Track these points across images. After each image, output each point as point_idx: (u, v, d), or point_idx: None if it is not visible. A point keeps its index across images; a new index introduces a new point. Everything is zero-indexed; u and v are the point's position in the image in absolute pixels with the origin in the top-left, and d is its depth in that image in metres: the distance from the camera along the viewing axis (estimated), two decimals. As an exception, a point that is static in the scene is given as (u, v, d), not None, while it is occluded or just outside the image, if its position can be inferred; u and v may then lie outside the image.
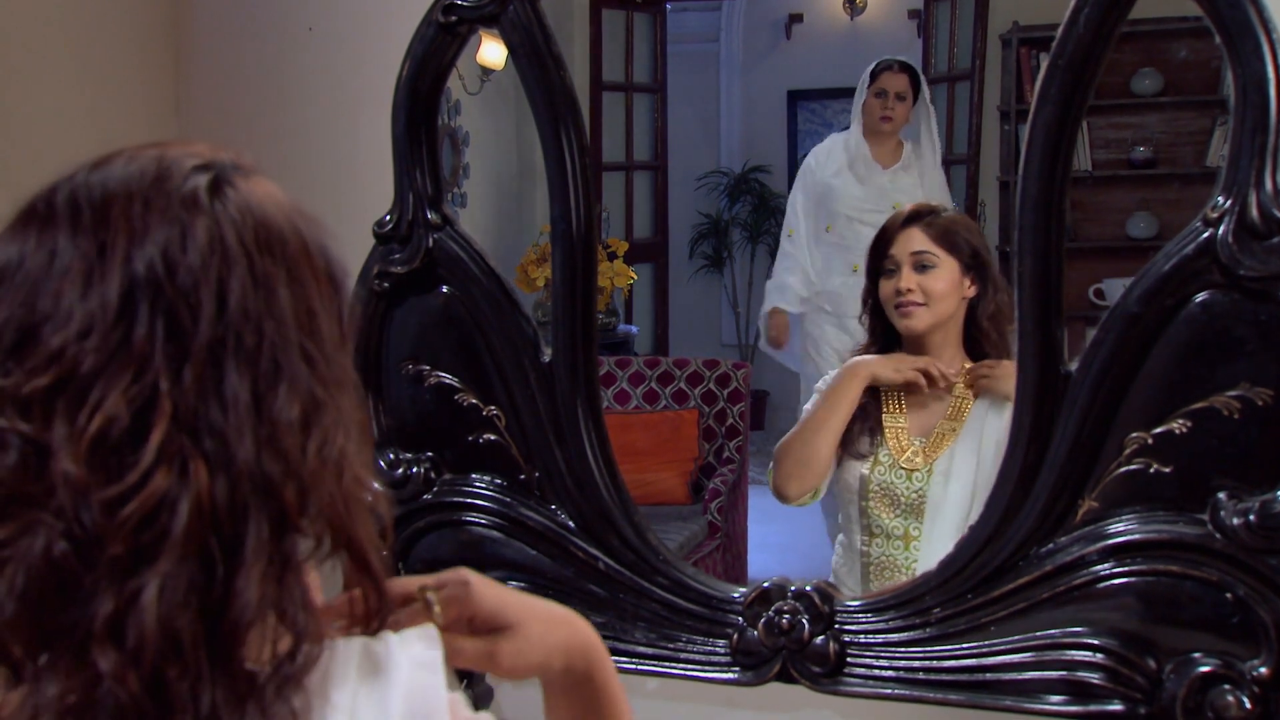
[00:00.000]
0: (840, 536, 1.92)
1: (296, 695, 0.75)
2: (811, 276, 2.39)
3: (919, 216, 1.87)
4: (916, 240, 1.84)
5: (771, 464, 1.93)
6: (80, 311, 0.73)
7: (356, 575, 0.82)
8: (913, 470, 1.82)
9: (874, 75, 2.32)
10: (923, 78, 2.32)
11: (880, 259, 1.87)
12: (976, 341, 1.84)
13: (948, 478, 1.79)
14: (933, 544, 1.74)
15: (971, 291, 1.84)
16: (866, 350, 1.91)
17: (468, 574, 0.98)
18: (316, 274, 0.81)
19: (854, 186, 2.34)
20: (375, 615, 0.85)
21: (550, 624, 1.01)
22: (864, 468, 1.85)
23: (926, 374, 1.83)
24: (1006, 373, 1.77)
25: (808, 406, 1.91)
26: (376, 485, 0.84)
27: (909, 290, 1.82)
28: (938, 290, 1.83)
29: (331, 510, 0.77)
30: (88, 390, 0.72)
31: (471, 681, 1.67)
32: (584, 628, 1.04)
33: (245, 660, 0.74)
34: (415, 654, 0.84)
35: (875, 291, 1.88)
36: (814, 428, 1.86)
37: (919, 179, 2.30)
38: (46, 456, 0.72)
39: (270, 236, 0.78)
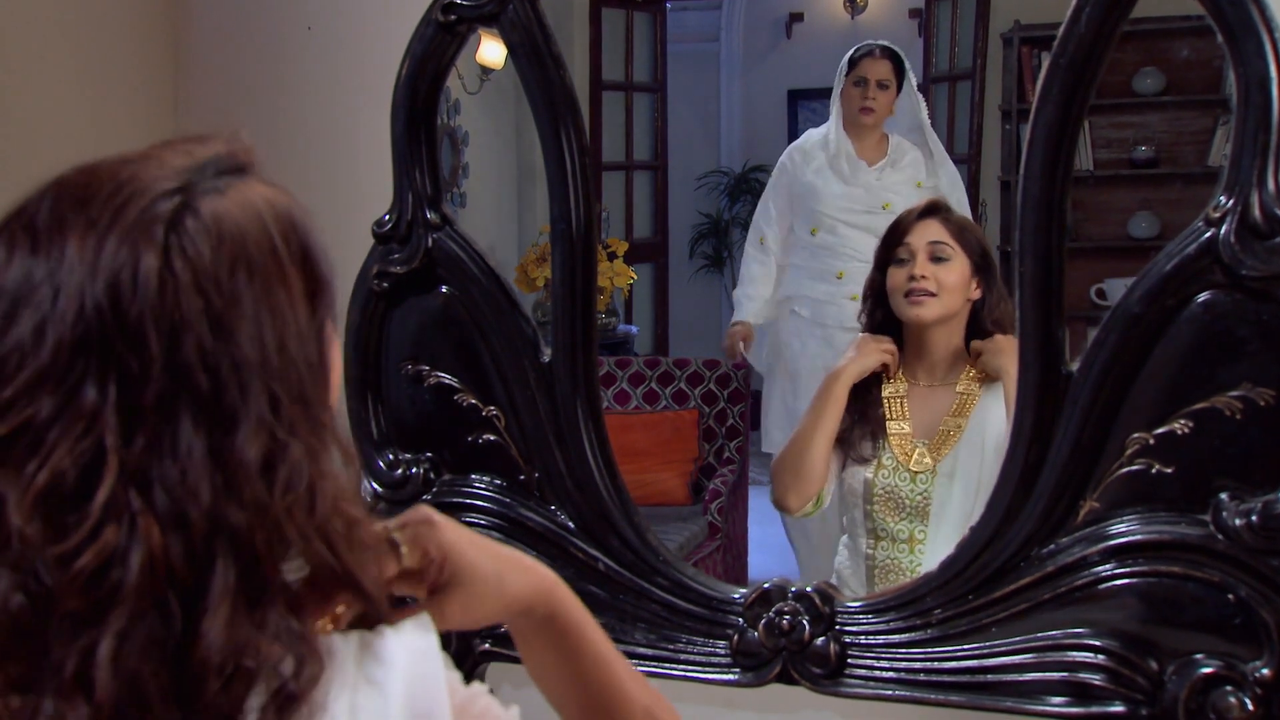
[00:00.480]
0: (844, 539, 1.91)
1: (296, 714, 0.74)
2: (786, 283, 2.30)
3: (937, 210, 1.86)
4: (934, 231, 1.84)
5: (770, 479, 1.93)
6: (32, 360, 0.71)
7: (348, 598, 0.80)
8: (918, 473, 1.81)
9: (852, 62, 2.23)
10: (907, 63, 2.23)
11: (893, 247, 1.86)
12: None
13: (952, 478, 1.79)
14: (938, 546, 1.74)
15: (976, 294, 1.83)
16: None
17: (429, 512, 0.95)
18: (290, 288, 0.77)
19: (837, 185, 2.24)
20: (375, 622, 0.83)
21: (504, 576, 0.98)
22: (868, 472, 1.84)
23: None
24: (999, 346, 1.77)
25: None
26: (361, 503, 0.82)
27: (923, 277, 1.81)
28: (950, 282, 1.82)
29: (305, 545, 0.75)
30: (40, 441, 0.71)
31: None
32: (542, 575, 1.01)
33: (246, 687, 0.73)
34: (411, 643, 0.83)
35: (882, 281, 1.87)
36: (805, 439, 1.86)
37: (909, 175, 2.21)
38: (3, 507, 0.71)
39: (235, 264, 0.74)
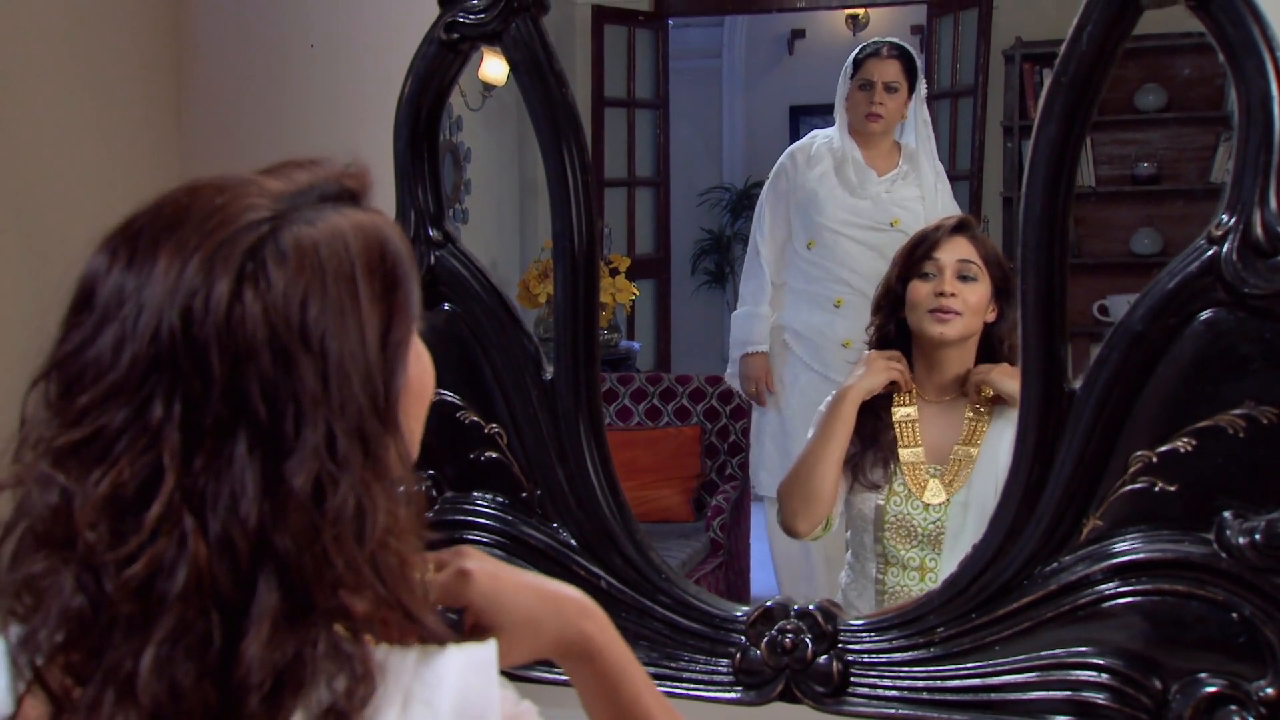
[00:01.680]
0: (849, 557, 1.88)
1: None
2: (779, 306, 2.16)
3: (968, 227, 1.83)
4: (964, 249, 1.80)
5: (776, 503, 1.89)
6: (110, 372, 0.75)
7: (403, 626, 0.82)
8: (931, 504, 1.79)
9: (858, 63, 2.09)
10: (919, 64, 2.09)
11: (920, 261, 1.81)
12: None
13: (966, 508, 1.76)
14: (951, 569, 1.72)
15: (992, 316, 1.81)
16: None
17: (469, 560, 0.96)
18: (363, 324, 0.78)
19: (843, 196, 2.10)
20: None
21: (540, 622, 0.99)
22: (879, 499, 1.81)
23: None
24: (1004, 372, 1.75)
25: (809, 435, 1.87)
26: (415, 544, 0.84)
27: (951, 295, 1.78)
28: (974, 303, 1.79)
29: (354, 574, 0.77)
30: (108, 451, 0.74)
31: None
32: (580, 617, 1.01)
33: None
34: (468, 662, 0.84)
35: (900, 294, 1.82)
36: (813, 462, 1.82)
37: (919, 189, 2.11)
38: (71, 508, 0.75)
39: (308, 295, 0.76)
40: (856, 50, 2.11)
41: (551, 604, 1.01)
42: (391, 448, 0.81)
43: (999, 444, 1.76)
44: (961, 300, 1.78)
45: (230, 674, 0.73)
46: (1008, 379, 1.75)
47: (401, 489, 0.82)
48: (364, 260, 0.79)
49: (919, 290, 1.81)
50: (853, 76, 2.09)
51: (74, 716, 0.75)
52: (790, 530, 1.85)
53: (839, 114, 2.12)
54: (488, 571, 0.97)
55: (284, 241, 0.76)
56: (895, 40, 2.13)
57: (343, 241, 0.79)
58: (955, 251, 1.80)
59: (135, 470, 0.73)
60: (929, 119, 2.14)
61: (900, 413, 1.83)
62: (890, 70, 2.07)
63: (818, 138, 2.17)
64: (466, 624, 0.96)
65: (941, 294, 1.78)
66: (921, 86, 2.09)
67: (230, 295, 0.74)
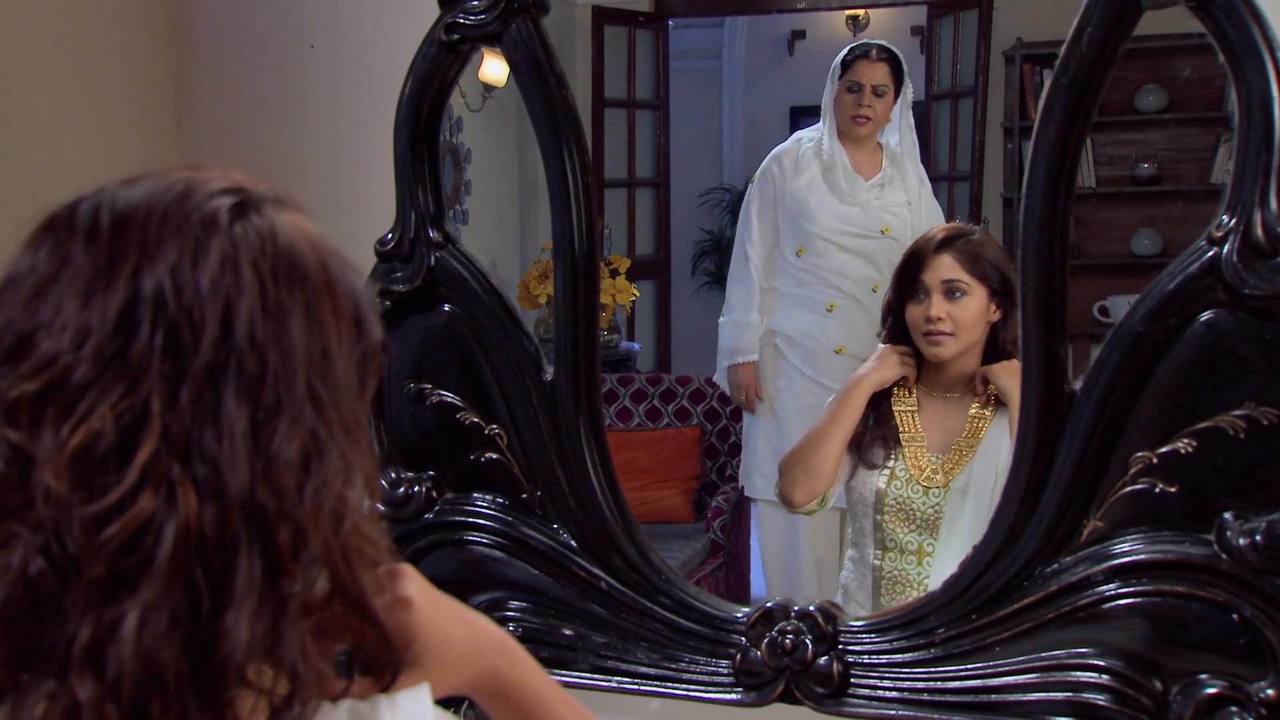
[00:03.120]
0: (851, 551, 1.90)
1: None
2: (769, 311, 2.13)
3: (951, 242, 1.83)
4: (947, 268, 1.80)
5: (776, 475, 1.92)
6: (78, 320, 0.70)
7: (358, 625, 0.78)
8: (931, 487, 1.80)
9: (845, 65, 2.06)
10: (905, 67, 2.06)
11: (910, 283, 1.83)
12: (996, 361, 1.82)
13: (965, 494, 1.78)
14: (946, 560, 1.73)
15: (996, 316, 1.82)
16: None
17: (410, 585, 0.90)
18: (339, 315, 0.77)
19: (834, 203, 2.08)
20: (386, 669, 0.80)
21: (464, 659, 0.96)
22: (880, 481, 1.83)
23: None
24: (1009, 368, 1.76)
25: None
26: (380, 538, 0.80)
27: (939, 319, 1.79)
28: (966, 319, 1.80)
29: (328, 558, 0.74)
30: (77, 401, 0.69)
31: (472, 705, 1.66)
32: (492, 657, 0.98)
33: (237, 713, 0.71)
34: (402, 706, 0.81)
35: (901, 311, 1.84)
36: (819, 439, 1.86)
37: (905, 194, 2.08)
38: (30, 467, 0.69)
39: (291, 268, 0.75)
40: (845, 52, 2.08)
41: (474, 641, 0.97)
42: (366, 432, 0.79)
43: (1001, 437, 1.78)
44: (951, 321, 1.80)
45: (211, 653, 0.68)
46: (1008, 376, 1.76)
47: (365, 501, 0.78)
48: (331, 260, 0.79)
49: (913, 313, 1.83)
50: (840, 78, 2.07)
51: (19, 702, 0.69)
52: (787, 499, 1.87)
53: (825, 116, 2.11)
54: (427, 600, 0.93)
55: (264, 213, 0.76)
56: (883, 43, 2.11)
57: (309, 235, 0.78)
58: (940, 271, 1.81)
59: (115, 415, 0.68)
60: (914, 123, 2.12)
61: (902, 404, 1.84)
62: (878, 73, 2.05)
63: (803, 141, 2.14)
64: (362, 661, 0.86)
65: (929, 319, 1.80)
66: (908, 90, 2.07)
67: (224, 248, 0.73)
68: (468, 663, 0.96)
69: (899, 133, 2.08)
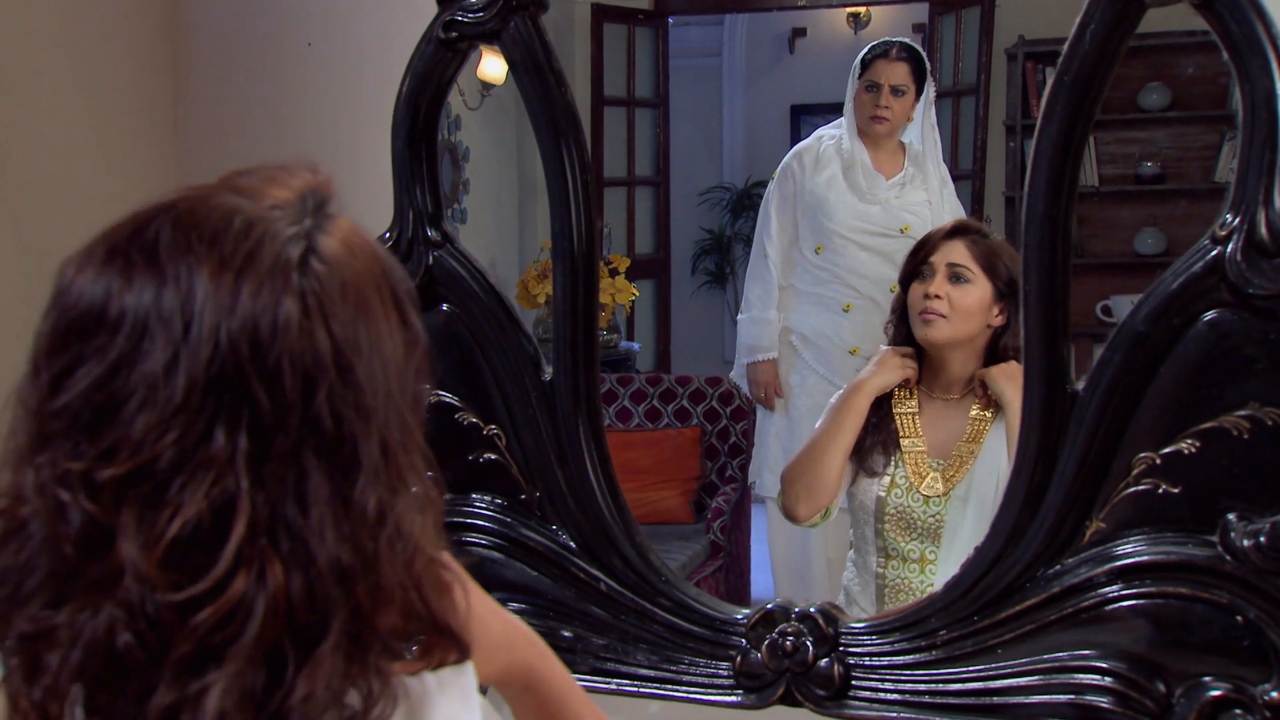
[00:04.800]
0: (851, 555, 1.89)
1: None
2: (786, 308, 2.13)
3: (966, 231, 1.82)
4: (957, 253, 1.80)
5: (779, 487, 1.90)
6: (162, 396, 0.70)
7: (440, 644, 0.81)
8: (931, 496, 1.79)
9: (865, 64, 2.05)
10: (928, 66, 2.06)
11: (917, 264, 1.82)
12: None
13: (966, 502, 1.77)
14: (949, 567, 1.71)
15: (999, 320, 1.79)
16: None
17: (447, 573, 0.93)
18: (394, 334, 0.78)
19: (853, 201, 2.07)
20: (447, 655, 0.84)
21: (496, 648, 0.99)
22: (880, 489, 1.81)
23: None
24: (1006, 372, 1.74)
25: (818, 424, 1.87)
26: (444, 555, 0.83)
27: (936, 297, 1.78)
28: (965, 306, 1.78)
29: (404, 596, 0.76)
30: (164, 488, 0.70)
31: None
32: (523, 649, 1.02)
33: None
34: (451, 699, 0.83)
35: (904, 296, 1.84)
36: (821, 449, 1.84)
37: (927, 193, 2.09)
38: (110, 541, 0.70)
39: (358, 309, 0.75)
40: (865, 50, 2.08)
41: (507, 633, 1.01)
42: (423, 459, 0.80)
43: (1002, 443, 1.76)
44: (948, 303, 1.78)
45: (279, 709, 0.71)
46: (1005, 380, 1.75)
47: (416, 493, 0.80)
48: (377, 268, 0.78)
49: (915, 291, 1.82)
50: (860, 76, 2.06)
51: None
52: (790, 514, 1.86)
53: (847, 114, 2.10)
54: (464, 588, 0.94)
55: (326, 255, 0.75)
56: (906, 41, 2.10)
57: (366, 252, 0.78)
58: (948, 254, 1.80)
59: (208, 504, 0.69)
60: (935, 122, 2.12)
61: (903, 406, 1.83)
62: (898, 72, 2.04)
63: (824, 138, 2.13)
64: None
65: (928, 295, 1.78)
66: (930, 89, 2.06)
67: (300, 314, 0.72)
68: (501, 653, 0.98)
69: (921, 131, 2.07)
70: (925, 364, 1.84)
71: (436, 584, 0.80)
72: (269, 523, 0.70)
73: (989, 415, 1.79)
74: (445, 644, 0.82)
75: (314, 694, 0.71)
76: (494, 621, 0.99)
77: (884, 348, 1.86)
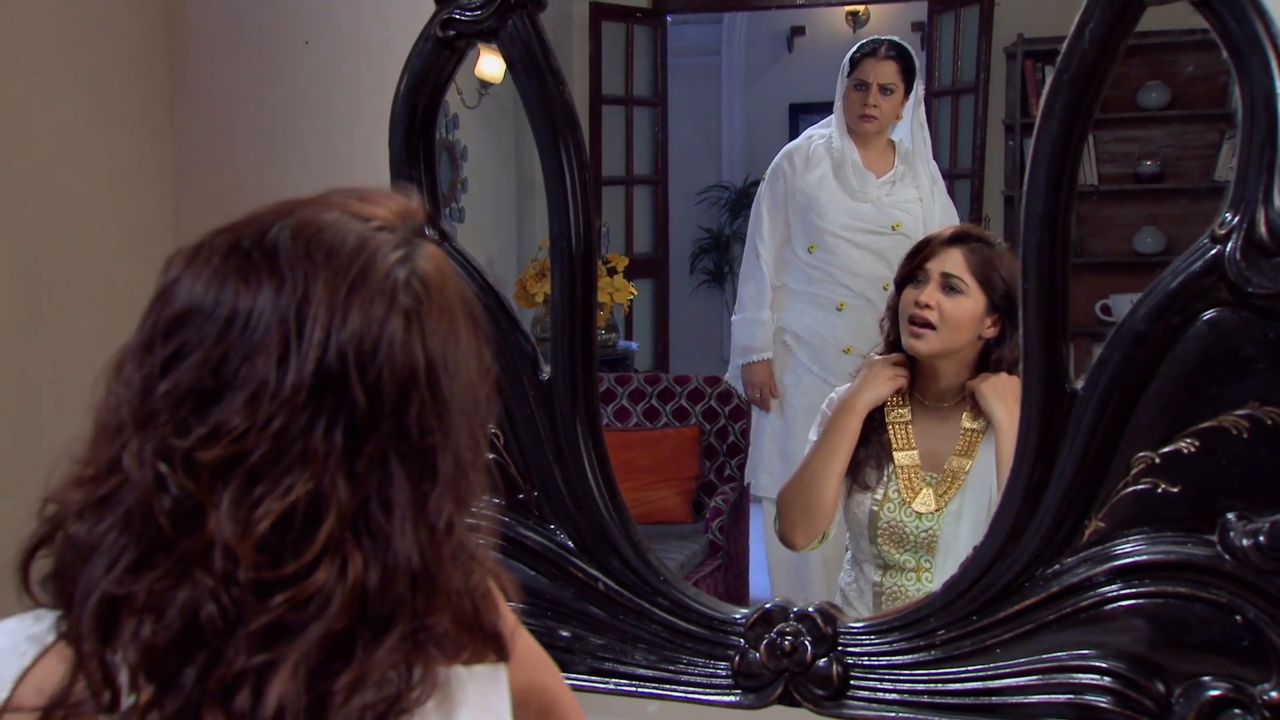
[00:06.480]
0: (848, 558, 1.88)
1: None
2: (779, 308, 2.12)
3: (965, 239, 1.79)
4: (953, 262, 1.77)
5: (775, 512, 1.87)
6: (270, 391, 0.75)
7: (483, 646, 0.87)
8: (924, 513, 1.77)
9: (854, 62, 2.05)
10: (916, 64, 2.06)
11: (913, 268, 1.79)
12: None
13: (959, 518, 1.75)
14: (945, 576, 1.70)
15: (991, 332, 1.77)
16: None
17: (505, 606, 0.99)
18: (474, 359, 0.84)
19: (844, 200, 2.06)
20: (489, 653, 0.90)
21: (520, 665, 1.01)
22: (873, 503, 1.79)
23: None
24: (996, 389, 1.73)
25: (811, 434, 1.86)
26: (494, 566, 0.89)
27: (927, 306, 1.75)
28: (955, 317, 1.76)
29: (457, 602, 0.82)
30: (261, 474, 0.75)
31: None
32: (543, 671, 1.08)
33: None
34: (484, 690, 0.89)
35: (899, 297, 1.81)
36: (814, 474, 1.81)
37: (917, 191, 2.08)
38: (202, 517, 0.75)
39: (448, 330, 0.81)
40: (854, 49, 2.08)
41: (530, 650, 1.05)
42: (483, 475, 0.85)
43: (993, 456, 1.74)
44: (939, 313, 1.76)
45: (335, 693, 0.75)
46: (994, 396, 1.73)
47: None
48: (464, 294, 0.85)
49: (907, 296, 1.79)
50: (848, 75, 2.06)
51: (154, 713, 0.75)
52: (788, 542, 1.85)
53: (836, 113, 2.10)
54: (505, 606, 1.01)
55: (421, 276, 0.81)
56: (894, 39, 2.10)
57: (452, 277, 0.84)
58: (944, 263, 1.77)
59: (305, 494, 0.75)
60: (925, 120, 2.11)
61: (895, 414, 1.81)
62: (886, 71, 2.04)
63: (814, 137, 2.13)
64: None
65: (919, 303, 1.76)
66: (919, 87, 2.06)
67: (404, 331, 0.78)
68: (526, 668, 1.02)
69: (910, 130, 2.06)
70: (917, 371, 1.82)
71: (485, 596, 0.86)
72: (355, 518, 0.76)
73: (981, 426, 1.77)
74: (487, 647, 0.87)
75: (363, 678, 0.75)
76: (523, 637, 1.03)
77: (875, 357, 1.84)
